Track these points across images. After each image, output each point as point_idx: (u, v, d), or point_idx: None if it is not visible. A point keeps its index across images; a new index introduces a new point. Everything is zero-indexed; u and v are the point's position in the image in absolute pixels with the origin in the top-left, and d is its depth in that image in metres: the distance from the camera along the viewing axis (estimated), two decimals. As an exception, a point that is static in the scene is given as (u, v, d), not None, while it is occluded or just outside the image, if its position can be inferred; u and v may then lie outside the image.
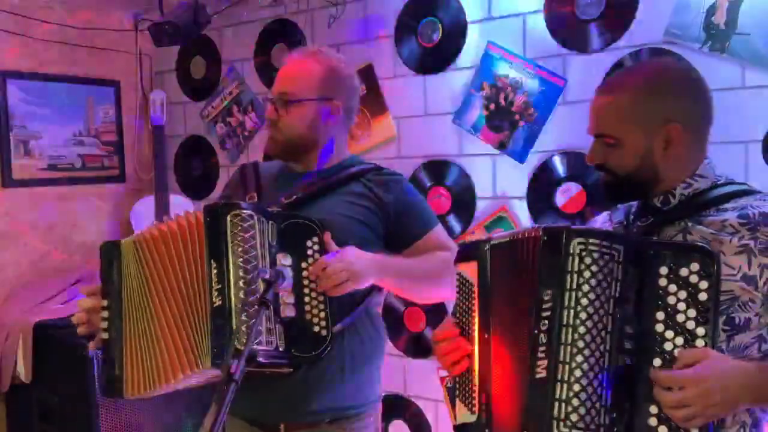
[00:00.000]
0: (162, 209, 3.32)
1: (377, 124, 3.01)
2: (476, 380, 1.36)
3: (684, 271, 1.16)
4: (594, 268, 1.17)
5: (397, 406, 2.97)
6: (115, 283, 1.67)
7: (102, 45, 3.61)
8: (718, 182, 1.36)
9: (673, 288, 1.17)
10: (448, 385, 1.45)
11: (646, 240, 1.29)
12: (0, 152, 3.30)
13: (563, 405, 1.15)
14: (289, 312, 1.59)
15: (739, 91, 2.24)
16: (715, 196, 1.33)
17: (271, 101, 1.81)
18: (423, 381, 2.92)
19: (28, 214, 3.40)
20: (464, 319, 1.42)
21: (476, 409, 1.35)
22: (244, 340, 1.45)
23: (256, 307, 1.49)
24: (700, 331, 1.15)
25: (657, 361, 1.16)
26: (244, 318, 1.49)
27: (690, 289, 1.16)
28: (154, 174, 3.42)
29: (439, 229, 1.86)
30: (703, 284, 1.15)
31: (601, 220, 1.55)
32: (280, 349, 1.55)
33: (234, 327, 1.48)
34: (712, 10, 2.28)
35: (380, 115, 3.00)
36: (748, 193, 1.33)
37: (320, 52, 1.87)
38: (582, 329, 1.16)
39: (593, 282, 1.17)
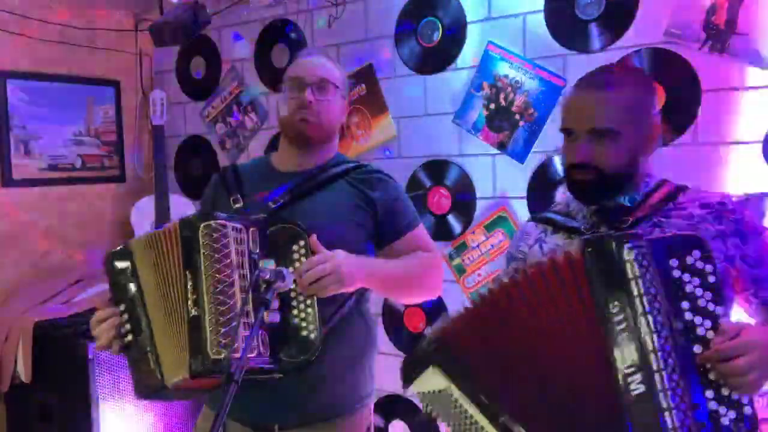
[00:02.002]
0: (162, 209, 3.32)
1: (377, 124, 3.01)
2: None
3: (690, 259, 1.20)
4: (651, 269, 1.19)
5: (397, 406, 2.97)
6: (127, 284, 1.65)
7: (102, 45, 3.61)
8: (662, 180, 1.46)
9: (686, 277, 1.20)
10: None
11: (652, 237, 1.29)
12: (0, 152, 3.30)
13: (674, 413, 1.13)
14: (272, 317, 1.59)
15: (739, 91, 2.24)
16: (671, 191, 1.43)
17: (310, 86, 1.79)
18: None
19: (28, 214, 3.40)
20: (465, 426, 1.30)
21: None
22: (221, 349, 1.46)
23: (230, 315, 1.50)
24: (720, 310, 1.19)
25: (697, 348, 1.17)
26: (220, 327, 1.49)
27: (700, 274, 1.19)
28: (154, 174, 3.42)
29: (421, 229, 1.87)
30: (709, 267, 1.19)
31: (531, 230, 1.57)
32: (264, 356, 1.55)
33: (208, 336, 1.48)
34: (712, 10, 2.28)
35: (380, 115, 3.00)
36: (683, 188, 1.45)
37: (329, 54, 1.93)
38: (665, 332, 1.17)
39: (655, 282, 1.19)
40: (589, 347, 1.20)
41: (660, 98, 1.48)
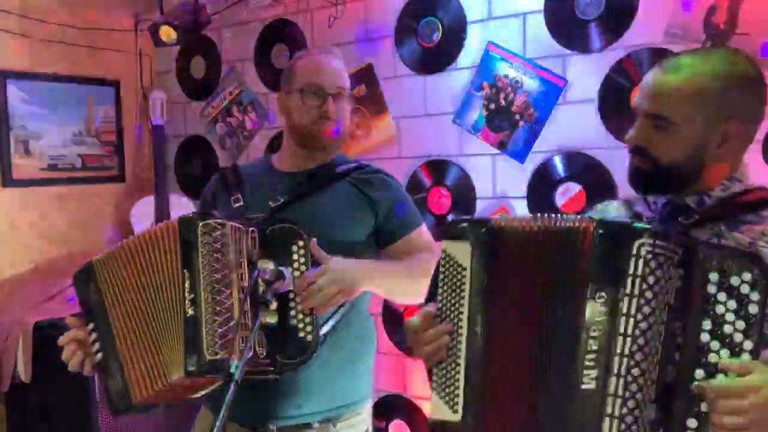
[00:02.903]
0: (162, 209, 3.32)
1: (377, 124, 3.01)
2: (461, 377, 1.23)
3: (735, 280, 1.08)
4: (659, 273, 1.08)
5: (397, 406, 2.97)
6: (94, 301, 1.64)
7: (102, 45, 3.61)
8: (755, 187, 1.28)
9: (722, 297, 1.08)
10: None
11: (700, 242, 1.17)
12: (0, 152, 3.30)
13: (615, 422, 1.06)
14: (270, 318, 1.59)
15: (739, 91, 2.24)
16: (753, 200, 1.25)
17: (332, 96, 1.79)
18: (423, 381, 2.91)
19: (28, 214, 3.40)
20: (449, 306, 1.27)
21: (460, 408, 1.23)
22: (218, 350, 1.46)
23: (227, 315, 1.49)
24: (747, 344, 1.06)
25: (699, 373, 1.07)
26: (216, 328, 1.49)
27: (741, 299, 1.07)
28: (154, 174, 3.42)
29: (423, 228, 1.87)
30: (755, 296, 1.07)
31: (616, 211, 1.43)
32: (261, 357, 1.55)
33: (204, 336, 1.48)
34: (712, 10, 2.28)
35: (380, 115, 3.00)
36: None
37: (336, 51, 1.91)
38: (641, 340, 1.07)
39: (656, 288, 1.08)
40: (569, 326, 1.13)
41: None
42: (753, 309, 1.06)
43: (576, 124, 2.54)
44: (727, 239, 1.22)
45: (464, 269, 1.25)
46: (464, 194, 2.81)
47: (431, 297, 1.35)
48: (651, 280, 1.08)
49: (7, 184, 3.33)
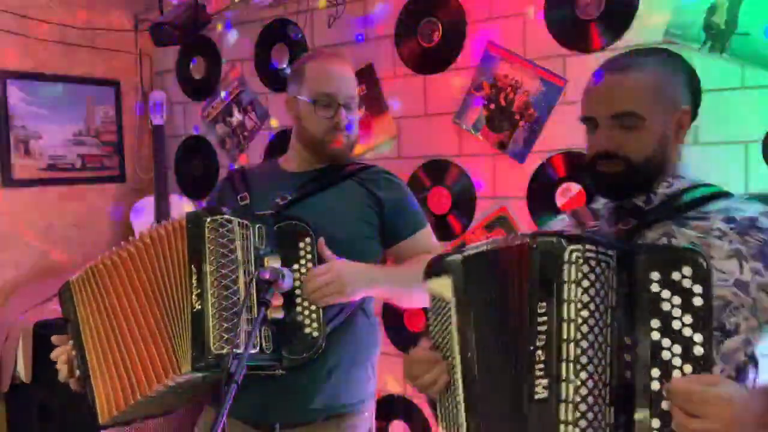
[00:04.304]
0: (162, 209, 3.32)
1: (377, 124, 3.01)
2: (462, 403, 1.25)
3: (676, 275, 1.09)
4: (592, 276, 1.10)
5: (397, 406, 2.97)
6: (72, 320, 1.70)
7: (102, 45, 3.61)
8: (697, 183, 1.32)
9: (666, 294, 1.10)
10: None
11: (635, 244, 1.22)
12: (0, 152, 3.30)
13: (570, 428, 1.07)
14: (276, 314, 1.59)
15: (739, 91, 2.24)
16: (697, 197, 1.28)
17: (343, 106, 1.78)
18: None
19: (28, 214, 3.40)
20: (442, 340, 1.31)
21: None
22: (225, 345, 1.47)
23: (234, 311, 1.50)
24: (698, 337, 1.08)
25: (655, 372, 1.09)
26: (223, 323, 1.50)
27: (684, 294, 1.09)
28: (154, 174, 3.42)
29: (427, 230, 1.87)
30: (697, 288, 1.08)
31: (560, 224, 1.48)
32: (267, 352, 1.56)
33: (211, 330, 1.49)
34: (712, 10, 2.28)
35: (380, 115, 3.00)
36: (725, 195, 1.30)
37: (345, 55, 1.89)
38: (584, 343, 1.08)
39: (592, 291, 1.10)
40: (518, 341, 1.15)
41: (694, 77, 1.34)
42: (698, 302, 1.08)
43: (576, 124, 2.52)
44: (677, 237, 1.24)
45: (448, 303, 1.29)
46: (464, 194, 2.81)
47: (426, 332, 1.38)
48: (585, 284, 1.09)
49: (7, 184, 3.33)
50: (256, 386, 1.65)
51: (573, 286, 1.10)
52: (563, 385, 1.08)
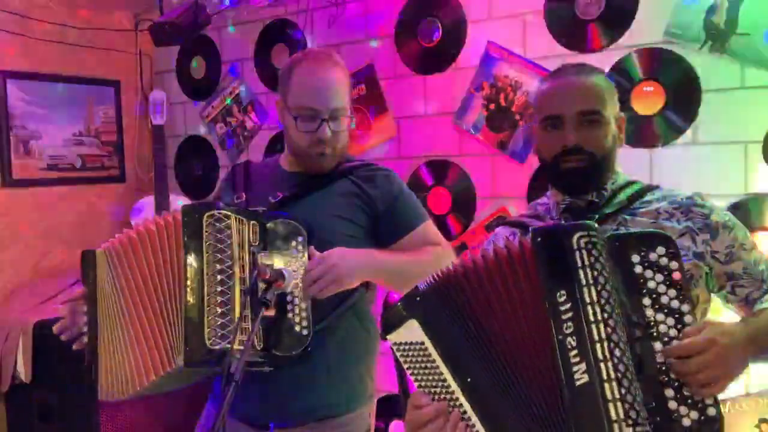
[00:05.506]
0: (162, 209, 3.32)
1: (378, 124, 3.01)
2: (479, 422, 1.23)
3: (653, 256, 1.18)
4: (602, 259, 1.16)
5: (397, 406, 2.97)
6: (90, 291, 1.70)
7: (102, 45, 3.61)
8: (631, 180, 1.46)
9: (649, 273, 1.17)
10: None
11: (612, 233, 1.26)
12: (0, 152, 3.30)
13: (619, 405, 1.09)
14: (267, 312, 1.59)
15: (739, 91, 2.25)
16: (636, 189, 1.43)
17: (326, 120, 1.73)
18: None
19: (28, 214, 3.40)
20: (431, 383, 1.29)
21: None
22: (219, 340, 1.47)
23: (229, 307, 1.51)
24: (685, 307, 1.17)
25: (658, 345, 1.15)
26: (218, 318, 1.50)
27: (664, 271, 1.17)
28: (154, 174, 3.42)
29: (428, 225, 1.85)
30: (674, 264, 1.17)
31: (502, 238, 1.50)
32: (258, 349, 1.56)
33: (205, 325, 1.49)
34: (712, 10, 2.28)
35: (381, 115, 3.00)
36: (656, 187, 1.45)
37: (336, 57, 1.83)
38: (612, 322, 1.12)
39: (605, 274, 1.15)
40: (537, 337, 1.16)
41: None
42: (677, 276, 1.17)
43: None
44: (631, 226, 1.38)
45: (422, 344, 1.27)
46: (464, 194, 2.81)
47: (405, 393, 1.37)
48: (598, 266, 1.15)
49: (7, 184, 3.33)
50: (255, 387, 1.65)
51: (589, 269, 1.15)
52: (602, 365, 1.11)
